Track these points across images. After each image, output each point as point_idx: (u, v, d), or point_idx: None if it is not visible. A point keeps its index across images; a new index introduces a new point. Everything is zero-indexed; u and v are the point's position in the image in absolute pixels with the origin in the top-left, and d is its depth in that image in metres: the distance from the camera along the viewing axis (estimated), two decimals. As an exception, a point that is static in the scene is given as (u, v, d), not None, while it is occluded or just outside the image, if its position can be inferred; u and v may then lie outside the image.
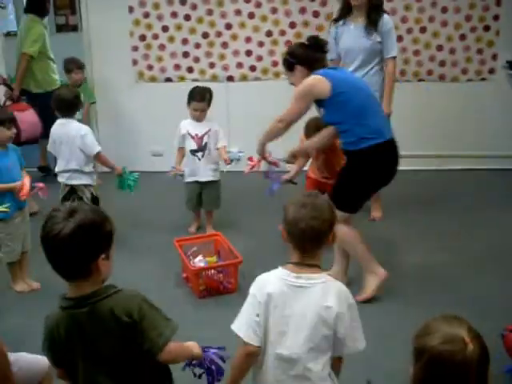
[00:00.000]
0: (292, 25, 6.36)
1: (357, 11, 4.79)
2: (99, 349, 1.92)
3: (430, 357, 1.63)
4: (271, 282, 2.13)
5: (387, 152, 3.73)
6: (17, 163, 4.07)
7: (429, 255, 4.60)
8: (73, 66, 6.16)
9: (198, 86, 5.06)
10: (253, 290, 2.18)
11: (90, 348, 1.93)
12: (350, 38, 4.87)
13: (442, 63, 6.39)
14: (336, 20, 4.96)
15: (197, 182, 5.09)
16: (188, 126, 5.01)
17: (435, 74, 6.42)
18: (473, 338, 1.62)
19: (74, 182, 4.56)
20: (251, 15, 6.37)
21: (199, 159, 5.02)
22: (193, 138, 4.99)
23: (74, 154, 4.52)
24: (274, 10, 6.35)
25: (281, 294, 2.09)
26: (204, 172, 5.06)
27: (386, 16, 4.85)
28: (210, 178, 5.09)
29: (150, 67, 6.58)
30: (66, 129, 4.51)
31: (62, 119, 4.55)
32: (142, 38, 6.49)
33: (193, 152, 5.02)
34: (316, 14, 6.31)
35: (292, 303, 2.08)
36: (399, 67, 6.07)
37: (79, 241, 1.85)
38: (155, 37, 6.48)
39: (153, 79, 6.59)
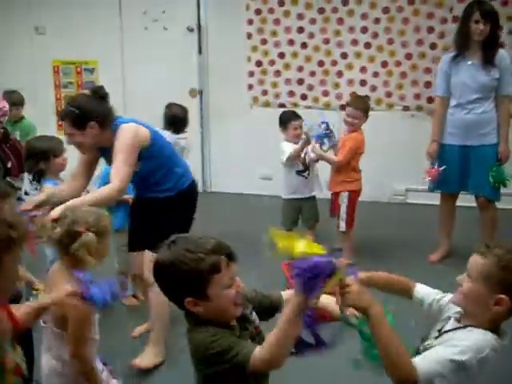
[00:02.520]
0: (408, 56, 6.34)
1: (474, 46, 4.69)
2: None
3: None
4: None
5: (196, 191, 3.73)
6: None
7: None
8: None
9: (284, 110, 5.32)
10: None
11: None
12: (467, 73, 4.73)
13: None
14: (456, 56, 4.79)
15: (298, 199, 5.18)
16: (290, 147, 5.07)
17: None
18: None
19: None
20: (367, 45, 6.40)
21: (306, 178, 5.11)
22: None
23: None
24: (391, 41, 6.35)
25: None
26: (310, 189, 5.18)
27: (502, 51, 4.74)
28: (314, 193, 5.21)
29: (265, 92, 6.70)
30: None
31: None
32: (258, 63, 6.63)
33: (299, 172, 5.10)
34: (433, 46, 6.26)
35: None
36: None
37: (158, 278, 1.90)
38: (271, 63, 6.61)
39: (267, 104, 6.71)
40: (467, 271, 1.95)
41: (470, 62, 4.72)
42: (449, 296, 2.09)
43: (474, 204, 4.95)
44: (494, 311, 1.89)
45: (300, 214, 5.28)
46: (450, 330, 1.98)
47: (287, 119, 5.14)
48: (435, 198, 6.43)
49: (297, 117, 5.15)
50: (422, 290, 2.19)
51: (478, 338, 1.87)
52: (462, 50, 4.76)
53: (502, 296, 1.86)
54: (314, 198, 5.24)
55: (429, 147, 4.95)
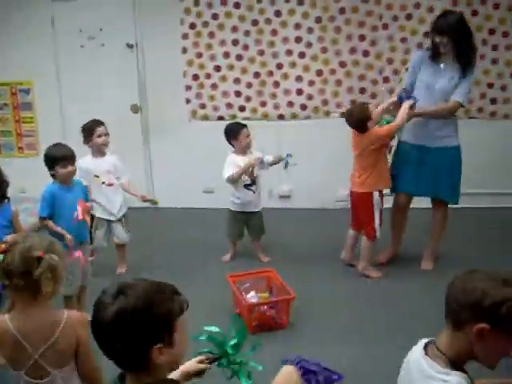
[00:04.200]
0: (342, 64, 6.45)
1: (445, 56, 4.74)
2: None
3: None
4: None
5: None
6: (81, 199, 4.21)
7: None
8: None
9: (229, 123, 5.37)
10: None
11: None
12: (433, 74, 4.78)
13: (493, 101, 6.42)
14: (432, 60, 4.80)
15: (244, 212, 5.25)
16: (239, 161, 5.13)
17: (486, 112, 6.46)
18: None
19: None
20: (302, 55, 6.49)
21: (254, 192, 5.16)
22: (245, 173, 5.12)
23: None
24: (324, 50, 6.45)
25: None
26: (258, 203, 5.27)
27: (472, 77, 4.80)
28: (260, 209, 5.30)
29: (203, 106, 6.73)
30: None
31: None
32: (195, 77, 6.65)
33: (247, 186, 5.14)
34: (366, 54, 6.39)
35: None
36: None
37: (120, 330, 1.65)
38: (208, 76, 6.64)
39: (205, 117, 6.74)
40: None
41: (441, 65, 4.77)
42: None
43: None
44: None
45: (246, 226, 5.34)
46: None
47: (236, 129, 5.18)
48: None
49: (244, 125, 5.23)
50: None
51: None
52: (436, 55, 4.79)
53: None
54: (260, 212, 5.33)
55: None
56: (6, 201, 3.84)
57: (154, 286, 1.73)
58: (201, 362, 2.05)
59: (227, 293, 4.47)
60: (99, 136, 4.95)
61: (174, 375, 1.98)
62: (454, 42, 4.65)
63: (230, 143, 5.22)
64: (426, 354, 1.96)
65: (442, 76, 4.77)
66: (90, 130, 4.96)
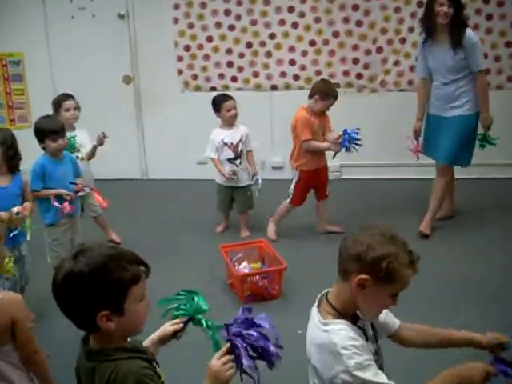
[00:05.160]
0: (335, 34, 6.40)
1: (441, 29, 4.81)
2: None
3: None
4: None
5: None
6: (71, 173, 4.21)
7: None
8: None
9: (215, 95, 5.30)
10: None
11: None
12: (437, 57, 4.94)
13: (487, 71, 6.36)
14: (425, 41, 4.98)
15: (229, 186, 5.25)
16: (221, 135, 5.15)
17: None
18: None
19: None
20: (295, 25, 6.42)
21: (237, 166, 5.14)
22: (229, 147, 5.11)
23: None
24: (318, 20, 6.39)
25: None
26: (243, 177, 5.22)
27: (469, 31, 4.83)
28: (247, 183, 5.26)
29: (195, 77, 6.68)
30: None
31: None
32: (187, 48, 6.60)
33: (230, 160, 5.13)
34: (359, 24, 6.33)
35: None
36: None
37: (66, 292, 1.69)
38: (200, 47, 6.59)
39: (198, 88, 6.69)
40: None
41: (439, 44, 4.87)
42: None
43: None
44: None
45: (233, 199, 5.34)
46: None
47: (219, 101, 5.15)
48: (369, 173, 6.61)
49: (229, 98, 5.18)
50: None
51: None
52: (430, 33, 4.91)
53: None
54: (246, 186, 5.28)
55: (414, 125, 5.23)
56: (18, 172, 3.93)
57: (111, 252, 1.72)
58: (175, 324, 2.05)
59: (220, 263, 4.48)
60: (67, 110, 4.88)
61: (149, 340, 2.01)
62: (456, 12, 4.70)
63: (217, 115, 5.20)
64: (319, 305, 2.07)
65: (445, 55, 4.85)
66: (57, 104, 4.90)
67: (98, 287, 1.65)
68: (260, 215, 5.48)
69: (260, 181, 5.23)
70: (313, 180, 5.10)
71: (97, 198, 4.54)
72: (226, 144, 5.13)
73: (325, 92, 4.93)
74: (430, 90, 5.12)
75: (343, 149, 4.83)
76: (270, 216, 5.28)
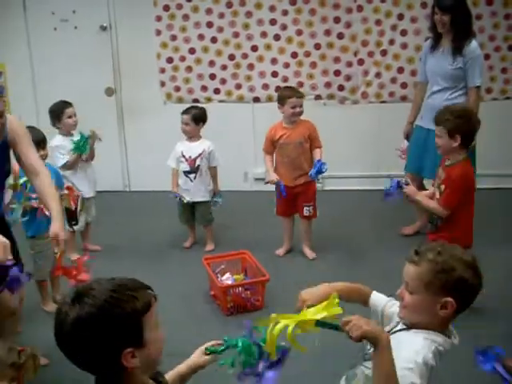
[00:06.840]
0: (317, 46, 6.45)
1: (446, 35, 4.83)
2: None
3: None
4: None
5: None
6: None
7: None
8: None
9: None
10: None
11: None
12: (436, 61, 4.94)
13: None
14: (432, 44, 4.98)
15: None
16: (182, 147, 5.20)
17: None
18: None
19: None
20: (277, 37, 6.47)
21: (191, 181, 5.15)
22: (186, 160, 5.12)
23: None
24: (300, 32, 6.43)
25: None
26: (196, 193, 5.20)
27: (474, 43, 4.81)
28: (201, 199, 5.22)
29: (178, 88, 6.70)
30: None
31: None
32: (170, 60, 6.61)
33: (185, 173, 5.17)
34: (341, 36, 6.39)
35: None
36: (486, 85, 6.10)
37: (81, 340, 1.51)
38: (182, 59, 6.60)
39: (180, 100, 6.70)
40: (404, 283, 1.97)
41: (441, 50, 4.89)
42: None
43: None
44: (442, 315, 1.90)
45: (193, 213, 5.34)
46: (399, 330, 2.02)
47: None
48: (351, 184, 6.64)
49: (185, 112, 5.22)
50: (375, 297, 2.22)
51: (422, 340, 1.90)
52: (436, 40, 4.93)
53: (447, 299, 1.88)
54: (204, 202, 5.25)
55: (404, 129, 5.31)
56: None
57: (111, 287, 1.55)
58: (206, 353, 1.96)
59: (203, 275, 4.48)
60: (69, 117, 4.97)
61: (179, 369, 1.95)
62: (455, 20, 4.72)
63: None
64: None
65: (443, 61, 4.87)
66: (59, 112, 4.96)
67: (113, 325, 1.50)
68: (243, 226, 5.49)
69: (220, 200, 5.25)
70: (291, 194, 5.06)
71: (79, 266, 4.20)
72: (184, 156, 5.15)
73: (279, 98, 4.93)
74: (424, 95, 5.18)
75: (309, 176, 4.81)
76: (252, 228, 5.27)
